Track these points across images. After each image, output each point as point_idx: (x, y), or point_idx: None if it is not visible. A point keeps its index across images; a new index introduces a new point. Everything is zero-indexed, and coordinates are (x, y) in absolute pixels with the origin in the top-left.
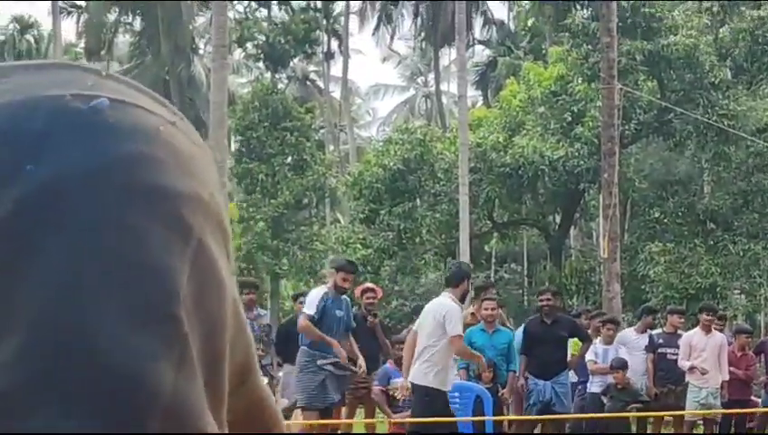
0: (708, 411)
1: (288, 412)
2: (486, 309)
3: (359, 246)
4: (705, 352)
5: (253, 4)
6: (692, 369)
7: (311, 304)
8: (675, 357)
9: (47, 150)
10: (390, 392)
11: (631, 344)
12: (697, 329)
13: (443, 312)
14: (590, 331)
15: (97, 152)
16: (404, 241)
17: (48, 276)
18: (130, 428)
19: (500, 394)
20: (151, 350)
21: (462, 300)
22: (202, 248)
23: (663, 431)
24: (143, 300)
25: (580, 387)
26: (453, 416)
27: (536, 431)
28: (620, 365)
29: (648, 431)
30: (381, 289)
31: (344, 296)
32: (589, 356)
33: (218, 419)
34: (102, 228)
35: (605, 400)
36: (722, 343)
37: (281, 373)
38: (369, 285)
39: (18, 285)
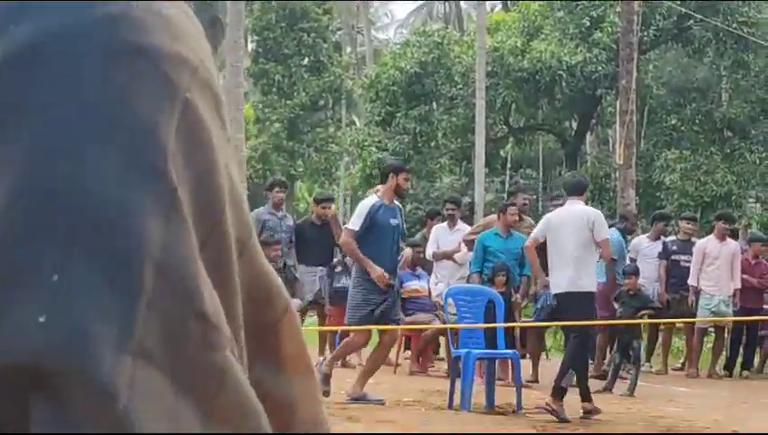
0: (719, 319)
1: (300, 314)
2: (513, 214)
3: (374, 148)
4: (718, 260)
5: None
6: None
7: (356, 219)
8: (688, 264)
9: (30, 11)
10: (403, 295)
11: (644, 251)
12: (711, 236)
13: (591, 218)
14: None
15: (80, 12)
16: (419, 144)
17: (35, 130)
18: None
19: (513, 299)
20: (140, 205)
21: None
22: (189, 106)
23: (674, 338)
24: (130, 155)
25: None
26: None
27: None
28: (632, 271)
29: (660, 338)
30: None
31: (397, 203)
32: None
33: (225, 286)
34: (85, 84)
35: (616, 306)
36: (735, 251)
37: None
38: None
39: (5, 139)
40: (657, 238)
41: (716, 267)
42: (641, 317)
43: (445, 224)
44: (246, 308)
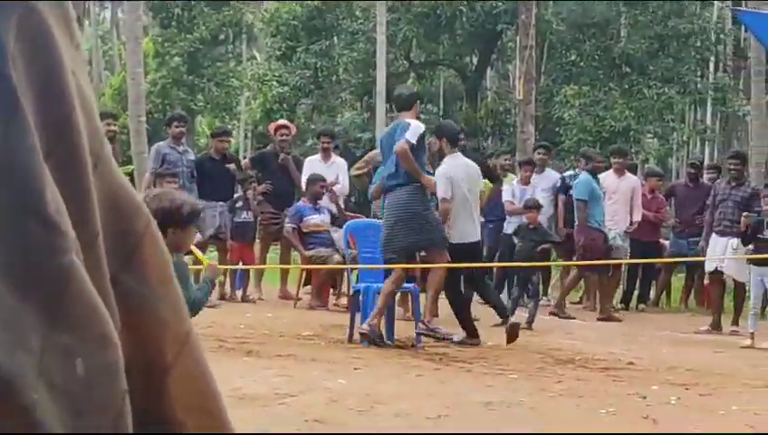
0: (616, 261)
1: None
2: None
3: (275, 83)
4: (616, 195)
5: None
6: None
7: (412, 134)
8: None
9: None
10: (304, 230)
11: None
12: (610, 172)
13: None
14: (498, 170)
15: None
16: (320, 79)
17: None
18: None
19: None
20: None
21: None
22: (33, 11)
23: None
24: None
25: (490, 226)
26: None
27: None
28: (533, 205)
29: (557, 273)
30: (296, 127)
31: None
32: (506, 196)
33: (76, 188)
34: None
35: (516, 240)
36: (634, 186)
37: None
38: (283, 121)
39: None
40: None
41: (614, 202)
42: (540, 251)
43: (318, 156)
44: (106, 218)
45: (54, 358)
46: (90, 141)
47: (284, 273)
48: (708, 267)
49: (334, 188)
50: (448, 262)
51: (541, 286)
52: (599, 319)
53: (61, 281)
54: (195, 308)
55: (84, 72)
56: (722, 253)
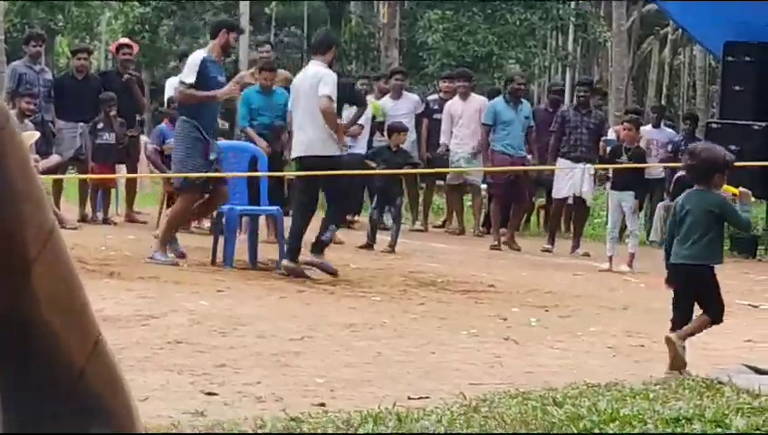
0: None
1: (58, 168)
2: (263, 73)
3: (136, 3)
4: (462, 119)
5: None
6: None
7: (188, 71)
8: None
9: None
10: (165, 152)
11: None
12: (456, 97)
13: (318, 78)
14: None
15: None
16: (183, 0)
17: None
18: None
19: (284, 157)
20: None
21: (330, 67)
22: None
23: (435, 196)
24: None
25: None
26: None
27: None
28: (400, 128)
29: (421, 196)
30: (137, 45)
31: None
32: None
33: None
34: None
35: (372, 163)
36: (480, 108)
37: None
38: (125, 40)
39: None
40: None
41: (461, 125)
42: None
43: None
44: None
45: None
46: None
47: (131, 196)
48: (566, 192)
49: None
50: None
51: (403, 210)
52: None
53: None
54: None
55: None
56: (580, 178)
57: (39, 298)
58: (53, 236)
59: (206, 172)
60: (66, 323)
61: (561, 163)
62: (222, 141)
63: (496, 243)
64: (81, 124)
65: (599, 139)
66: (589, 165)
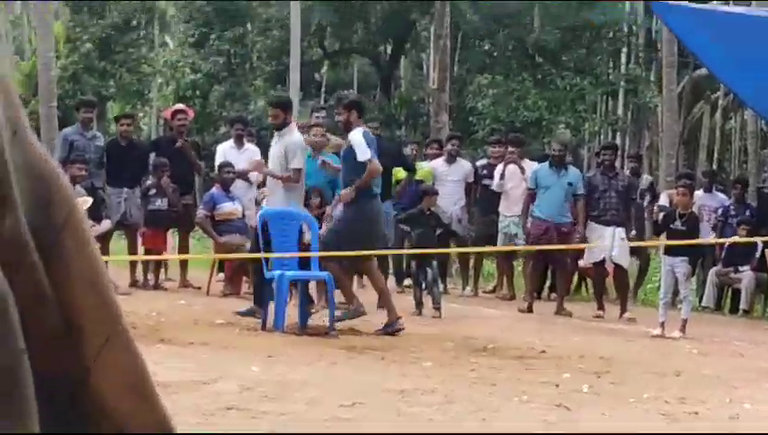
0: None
1: (109, 235)
2: (315, 135)
3: (188, 70)
4: (511, 182)
5: None
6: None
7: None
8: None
9: None
10: (216, 217)
11: (439, 175)
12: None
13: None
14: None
15: None
16: (234, 66)
17: None
18: None
19: (324, 215)
20: None
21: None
22: None
23: (486, 262)
24: None
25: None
26: None
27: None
28: (433, 191)
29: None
30: (209, 114)
31: None
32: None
33: None
34: None
35: (406, 227)
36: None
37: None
38: (180, 106)
39: None
40: (454, 160)
41: (510, 189)
42: (443, 236)
43: (230, 142)
44: (31, 185)
45: None
46: (5, 111)
47: (184, 261)
48: (596, 257)
49: (250, 175)
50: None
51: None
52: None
53: None
54: None
55: None
56: (610, 242)
57: (105, 384)
58: (120, 327)
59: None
60: (134, 408)
61: (592, 227)
62: (271, 208)
63: (526, 306)
64: (126, 189)
65: (628, 201)
66: (619, 229)
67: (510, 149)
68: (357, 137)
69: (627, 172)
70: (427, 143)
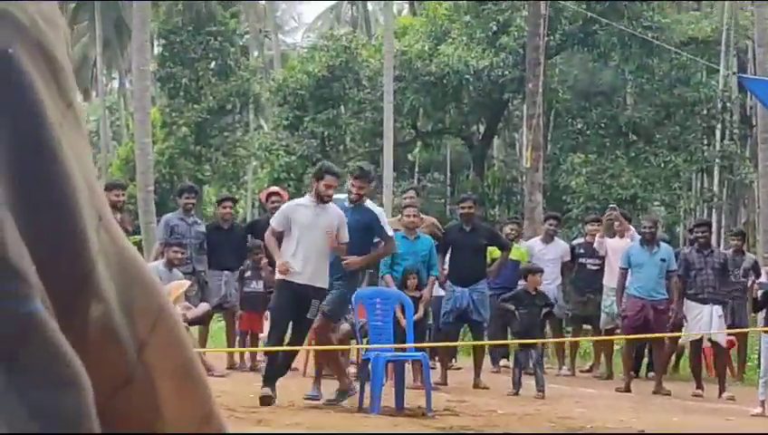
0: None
1: (207, 316)
2: (408, 216)
3: (282, 153)
4: (612, 256)
5: None
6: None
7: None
8: (594, 267)
9: None
10: None
11: (537, 254)
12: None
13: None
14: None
15: None
16: (328, 148)
17: None
18: None
19: (421, 298)
20: None
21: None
22: (10, 61)
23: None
24: None
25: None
26: None
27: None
28: (537, 270)
29: (570, 339)
30: (288, 192)
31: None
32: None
33: (63, 225)
34: None
35: (509, 306)
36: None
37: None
38: (274, 188)
39: None
40: (551, 240)
41: (615, 261)
42: (544, 316)
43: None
44: (119, 279)
45: (11, 400)
46: (90, 196)
47: None
48: (694, 336)
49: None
50: None
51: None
52: (617, 389)
53: (22, 328)
54: None
55: (77, 127)
56: (708, 320)
57: (153, 368)
58: (168, 306)
59: None
60: (182, 388)
61: (689, 306)
62: (369, 288)
63: (624, 385)
64: (227, 272)
65: (725, 278)
66: (717, 306)
67: (616, 223)
68: (379, 209)
69: (730, 251)
70: (544, 219)
